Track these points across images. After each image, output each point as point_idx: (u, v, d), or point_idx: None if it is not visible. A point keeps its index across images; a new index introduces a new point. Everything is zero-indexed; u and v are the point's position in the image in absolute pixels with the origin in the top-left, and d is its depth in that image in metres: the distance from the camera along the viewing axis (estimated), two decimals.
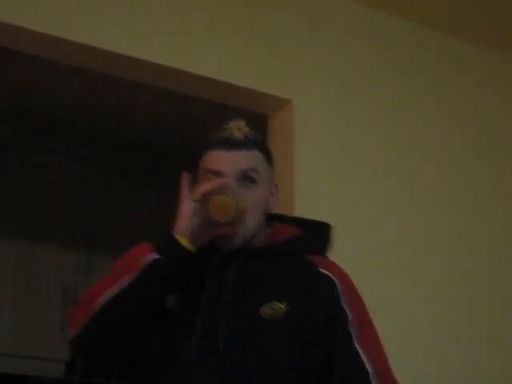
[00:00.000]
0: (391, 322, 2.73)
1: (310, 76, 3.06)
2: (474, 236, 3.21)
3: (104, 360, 1.86)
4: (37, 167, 4.22)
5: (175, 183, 4.49)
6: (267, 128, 3.07)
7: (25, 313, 4.05)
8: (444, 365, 2.97)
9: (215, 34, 2.90)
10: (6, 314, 4.01)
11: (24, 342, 4.03)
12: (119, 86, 3.57)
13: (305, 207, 2.80)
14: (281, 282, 1.81)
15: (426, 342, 2.97)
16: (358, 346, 1.74)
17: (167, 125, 4.22)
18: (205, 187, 1.78)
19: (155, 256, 1.75)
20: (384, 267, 2.96)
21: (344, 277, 1.84)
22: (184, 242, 1.76)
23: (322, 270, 1.82)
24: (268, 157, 1.92)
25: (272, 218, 1.95)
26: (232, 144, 1.84)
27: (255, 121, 2.12)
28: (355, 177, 3.04)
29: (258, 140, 1.91)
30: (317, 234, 1.93)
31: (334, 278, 1.80)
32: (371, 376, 1.73)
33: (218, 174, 1.83)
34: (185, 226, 1.77)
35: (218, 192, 1.76)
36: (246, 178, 1.84)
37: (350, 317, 1.77)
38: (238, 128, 1.87)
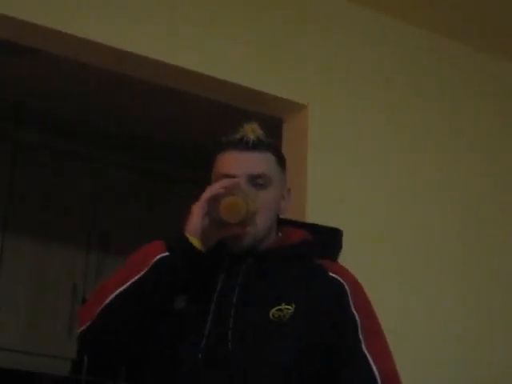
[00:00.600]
0: (400, 328, 2.72)
1: (326, 81, 3.05)
2: (480, 238, 3.21)
3: (109, 357, 1.86)
4: (50, 167, 4.24)
5: (189, 185, 4.52)
6: (282, 132, 3.07)
7: (35, 311, 4.06)
8: (444, 366, 2.96)
9: (231, 37, 2.90)
10: (18, 312, 4.03)
11: (33, 340, 4.04)
12: (127, 85, 3.57)
13: (317, 212, 2.80)
14: (290, 284, 1.81)
15: (426, 343, 2.96)
16: (366, 352, 1.74)
17: (182, 127, 4.23)
18: (215, 187, 1.78)
19: (165, 254, 1.75)
20: (394, 272, 2.95)
21: (354, 282, 1.84)
22: (194, 241, 1.77)
23: (332, 274, 1.82)
24: (280, 160, 1.92)
25: (283, 223, 1.96)
26: (245, 146, 1.85)
27: (270, 125, 2.13)
28: (369, 181, 3.03)
29: (271, 143, 1.91)
30: (327, 238, 1.94)
31: (344, 283, 1.81)
32: (379, 381, 1.73)
33: (230, 175, 1.83)
34: (195, 225, 1.77)
35: (228, 193, 1.77)
36: (258, 180, 1.85)
37: (359, 322, 1.77)
38: (251, 130, 1.88)
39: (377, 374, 1.72)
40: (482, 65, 3.43)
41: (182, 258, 1.76)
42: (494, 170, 3.34)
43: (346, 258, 1.95)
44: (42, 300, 4.09)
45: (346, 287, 1.80)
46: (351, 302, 1.78)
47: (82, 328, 1.78)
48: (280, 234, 1.92)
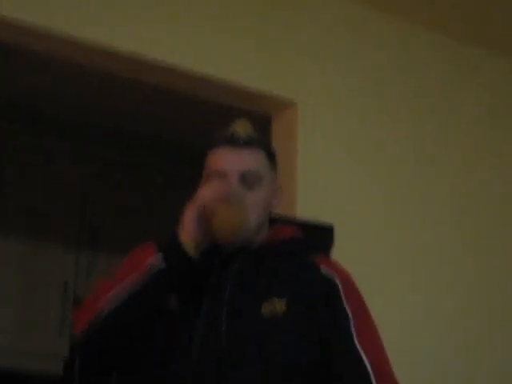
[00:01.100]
0: (392, 323, 2.73)
1: (314, 77, 3.06)
2: (480, 237, 3.23)
3: (102, 361, 1.86)
4: (39, 165, 4.23)
5: (178, 181, 4.51)
6: (271, 129, 3.07)
7: (26, 310, 4.05)
8: (444, 366, 2.98)
9: (219, 34, 2.90)
10: (8, 311, 4.02)
11: (24, 339, 4.03)
12: (123, 84, 3.57)
13: (307, 208, 2.81)
14: (282, 280, 1.81)
15: (427, 344, 2.98)
16: (358, 346, 1.74)
17: (171, 123, 4.23)
18: (208, 194, 1.77)
19: (158, 259, 1.75)
20: (385, 268, 2.97)
21: (346, 276, 1.85)
22: (188, 247, 1.76)
23: (323, 269, 1.83)
24: (271, 157, 1.92)
25: (275, 220, 1.96)
26: (236, 143, 1.86)
27: (259, 122, 2.13)
28: (359, 178, 3.04)
29: (262, 139, 1.91)
30: (318, 234, 1.94)
31: (335, 278, 1.81)
32: (371, 375, 1.73)
33: (221, 172, 1.83)
34: (189, 230, 1.77)
35: (221, 200, 1.76)
36: (249, 177, 1.85)
37: (350, 316, 1.77)
38: (242, 126, 1.88)
39: (369, 366, 1.73)
40: (485, 62, 3.44)
41: (176, 264, 1.75)
42: (495, 164, 3.35)
43: (336, 253, 1.96)
44: (32, 299, 4.09)
45: (338, 282, 1.80)
46: (343, 297, 1.78)
47: (77, 331, 1.78)
48: (271, 231, 1.93)
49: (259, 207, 1.85)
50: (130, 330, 1.77)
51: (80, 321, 1.79)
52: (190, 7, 2.87)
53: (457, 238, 3.18)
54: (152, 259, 1.76)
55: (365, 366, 1.73)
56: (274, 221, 1.95)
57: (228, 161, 1.84)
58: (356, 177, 3.03)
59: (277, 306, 1.76)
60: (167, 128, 4.29)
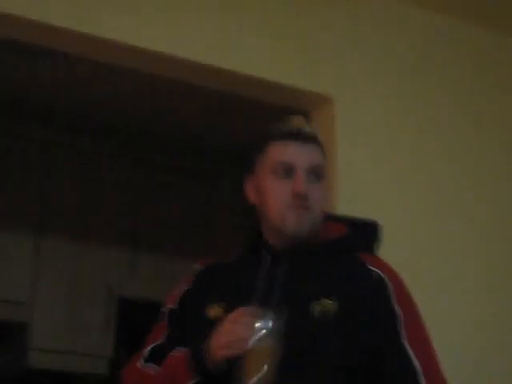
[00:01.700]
0: (440, 323, 2.71)
1: (351, 73, 3.05)
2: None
3: None
4: (88, 168, 4.26)
5: (219, 182, 4.52)
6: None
7: (70, 310, 4.10)
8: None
9: (256, 31, 2.90)
10: (53, 311, 4.06)
11: (69, 339, 4.07)
12: (156, 82, 3.58)
13: (347, 205, 2.79)
14: (331, 279, 1.81)
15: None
16: (407, 346, 1.74)
17: (210, 124, 4.23)
18: (243, 343, 1.67)
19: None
20: (431, 265, 2.95)
21: (394, 275, 1.84)
22: (220, 364, 1.71)
23: (372, 268, 1.83)
24: (325, 154, 1.94)
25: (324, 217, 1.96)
26: (304, 137, 1.88)
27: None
28: (398, 174, 3.02)
29: (318, 136, 1.93)
30: (366, 232, 1.94)
31: (384, 277, 1.81)
32: (419, 375, 1.73)
33: (289, 165, 1.85)
34: (222, 355, 1.71)
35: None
36: (315, 173, 1.88)
37: (399, 316, 1.77)
38: (302, 123, 1.91)
39: (418, 368, 1.72)
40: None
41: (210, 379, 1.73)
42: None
43: (381, 251, 1.96)
44: (77, 299, 4.12)
45: (387, 281, 1.80)
46: (393, 296, 1.78)
47: None
48: (322, 229, 1.92)
49: (323, 200, 1.88)
50: None
51: None
52: (232, 9, 2.87)
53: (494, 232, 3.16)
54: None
55: (413, 365, 1.73)
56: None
57: (296, 154, 1.85)
58: (396, 172, 3.02)
59: (325, 305, 1.76)
60: (207, 128, 4.27)
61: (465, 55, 3.30)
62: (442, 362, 1.82)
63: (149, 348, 1.91)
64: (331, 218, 1.97)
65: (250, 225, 1.99)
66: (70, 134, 4.25)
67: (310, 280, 1.82)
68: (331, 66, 3.02)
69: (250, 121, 3.73)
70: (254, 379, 1.64)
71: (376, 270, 1.82)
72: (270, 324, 1.65)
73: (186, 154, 4.49)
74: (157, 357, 1.87)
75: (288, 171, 1.85)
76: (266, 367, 1.64)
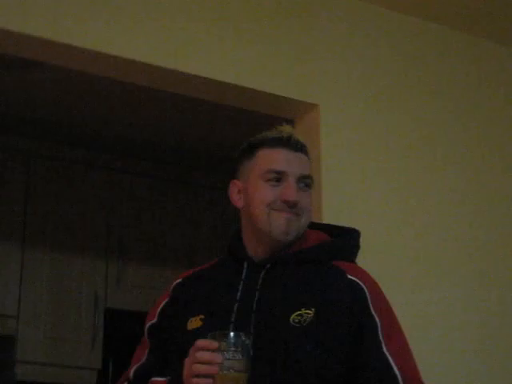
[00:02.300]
0: (415, 327, 2.70)
1: (336, 81, 3.05)
2: (495, 235, 3.20)
3: None
4: (64, 178, 4.25)
5: (202, 192, 4.50)
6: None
7: (57, 322, 4.07)
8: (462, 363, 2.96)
9: (240, 39, 2.90)
10: (40, 323, 4.04)
11: (57, 351, 4.05)
12: (155, 96, 3.58)
13: (332, 212, 2.80)
14: (309, 288, 1.81)
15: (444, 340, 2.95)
16: (387, 353, 1.73)
17: (194, 132, 4.22)
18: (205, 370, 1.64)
19: None
20: (409, 273, 2.94)
21: (373, 283, 1.84)
22: None
23: (350, 276, 1.82)
24: (311, 164, 1.96)
25: None
26: (295, 146, 1.89)
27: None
28: (383, 181, 3.02)
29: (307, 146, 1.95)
30: (345, 240, 1.93)
31: (362, 285, 1.80)
32: (400, 381, 1.72)
33: (281, 173, 1.85)
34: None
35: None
36: (305, 181, 1.89)
37: (379, 324, 1.76)
38: (292, 132, 1.91)
39: (398, 375, 1.71)
40: (499, 59, 3.41)
41: None
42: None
43: (361, 259, 1.94)
44: (63, 311, 4.10)
45: (365, 289, 1.79)
46: (370, 304, 1.77)
47: None
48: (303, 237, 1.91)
49: (310, 209, 1.89)
50: None
51: None
52: (218, 20, 2.87)
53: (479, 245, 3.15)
54: None
55: (393, 372, 1.72)
56: None
57: (288, 162, 1.87)
58: (381, 179, 3.01)
59: (304, 314, 1.75)
60: (190, 137, 4.27)
61: (454, 63, 3.31)
62: (421, 367, 1.81)
63: (132, 370, 1.93)
64: (311, 226, 1.96)
65: (234, 229, 1.99)
66: (56, 146, 4.23)
67: (288, 291, 1.81)
68: (317, 73, 3.02)
69: (237, 129, 3.74)
70: None
71: (355, 279, 1.81)
72: (239, 349, 1.62)
73: (173, 164, 4.48)
74: (141, 377, 1.89)
75: (278, 178, 1.86)
76: None
